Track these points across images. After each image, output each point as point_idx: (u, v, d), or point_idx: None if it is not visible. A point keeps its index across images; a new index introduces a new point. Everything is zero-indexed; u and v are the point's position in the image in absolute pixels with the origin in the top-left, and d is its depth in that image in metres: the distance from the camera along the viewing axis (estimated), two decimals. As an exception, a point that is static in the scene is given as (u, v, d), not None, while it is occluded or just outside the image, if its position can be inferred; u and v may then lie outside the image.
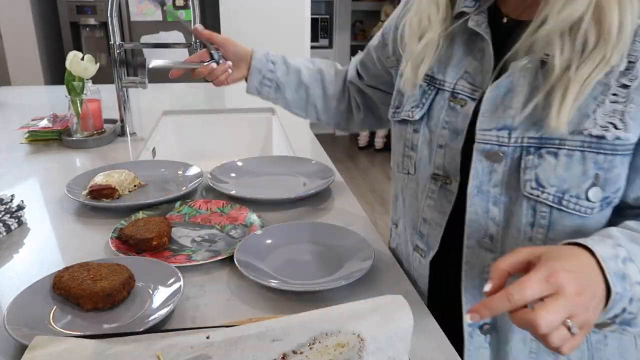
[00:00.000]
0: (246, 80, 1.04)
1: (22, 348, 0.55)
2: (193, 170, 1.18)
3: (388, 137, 4.88)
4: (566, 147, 0.62)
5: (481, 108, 0.67)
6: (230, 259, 0.80)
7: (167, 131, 1.81)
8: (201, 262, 0.79)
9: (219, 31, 3.66)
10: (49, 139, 1.45)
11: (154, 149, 1.60)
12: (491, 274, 0.51)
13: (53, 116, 1.55)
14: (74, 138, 1.42)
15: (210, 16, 3.82)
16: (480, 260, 0.70)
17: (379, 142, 5.00)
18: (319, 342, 0.54)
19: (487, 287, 0.51)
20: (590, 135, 0.61)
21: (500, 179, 0.66)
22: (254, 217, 0.95)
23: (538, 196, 0.63)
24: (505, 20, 0.70)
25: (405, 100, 0.79)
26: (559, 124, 0.60)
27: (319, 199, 1.07)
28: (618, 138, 0.60)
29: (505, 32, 0.69)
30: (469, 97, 0.70)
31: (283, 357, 0.53)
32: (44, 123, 1.50)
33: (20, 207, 0.95)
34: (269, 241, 0.85)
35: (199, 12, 1.42)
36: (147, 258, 0.79)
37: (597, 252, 0.52)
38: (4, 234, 0.90)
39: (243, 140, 1.90)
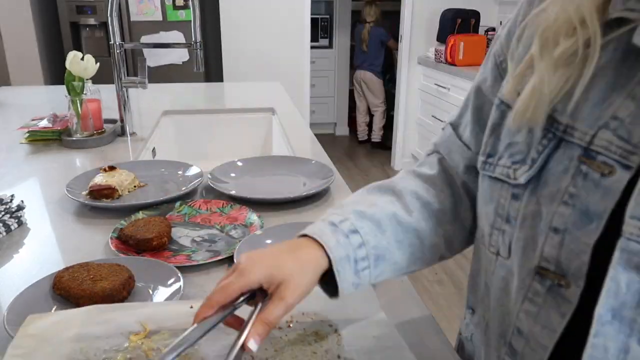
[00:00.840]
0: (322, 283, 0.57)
1: (22, 348, 0.56)
2: (193, 170, 1.18)
3: (385, 130, 4.84)
4: None
5: (639, 183, 0.41)
6: (230, 259, 0.80)
7: (167, 131, 1.81)
8: (201, 262, 0.79)
9: (219, 31, 3.66)
10: (49, 139, 1.45)
11: (154, 149, 1.60)
12: None
13: (53, 116, 1.55)
14: (74, 138, 1.42)
15: (210, 16, 3.82)
16: None
17: (375, 136, 4.93)
18: (297, 322, 0.59)
19: None
20: None
21: None
22: (254, 217, 0.95)
23: None
24: None
25: (504, 148, 0.53)
26: None
27: (319, 199, 1.07)
28: None
29: None
30: (618, 162, 0.43)
31: None
32: (44, 123, 1.50)
33: (20, 207, 0.95)
34: (269, 241, 0.85)
35: (199, 12, 1.42)
36: (147, 258, 0.79)
37: None
38: (4, 234, 0.90)
39: (243, 140, 1.90)
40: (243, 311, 0.53)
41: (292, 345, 0.57)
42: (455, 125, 0.65)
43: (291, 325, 0.60)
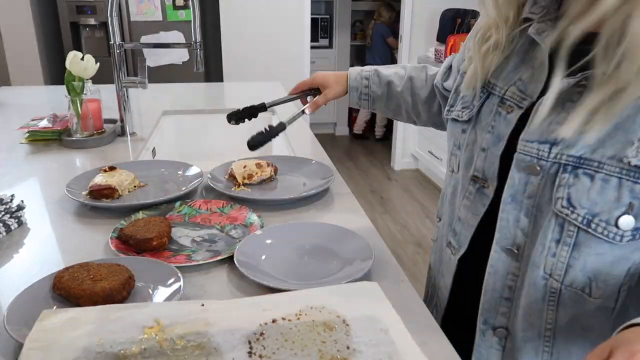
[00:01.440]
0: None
1: (22, 348, 0.56)
2: (193, 170, 1.18)
3: (388, 127, 4.90)
4: (604, 171, 0.60)
5: (530, 118, 0.66)
6: (230, 259, 0.80)
7: (167, 131, 1.81)
8: (201, 262, 0.79)
9: (219, 31, 3.67)
10: (49, 139, 1.45)
11: (154, 149, 1.60)
12: None
13: (53, 116, 1.55)
14: (74, 138, 1.42)
15: (210, 16, 3.82)
16: (504, 266, 0.71)
17: (379, 131, 5.13)
18: (306, 315, 0.62)
19: None
20: (630, 165, 0.59)
21: (534, 192, 0.66)
22: (254, 217, 0.95)
23: (567, 215, 0.63)
24: None
25: (459, 99, 0.81)
26: (569, 129, 0.61)
27: (319, 199, 1.07)
28: None
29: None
30: (516, 104, 0.69)
31: (273, 321, 0.60)
32: (44, 123, 1.50)
33: (20, 207, 0.95)
34: (269, 241, 0.86)
35: (199, 12, 1.42)
36: (147, 258, 0.79)
37: None
38: (4, 234, 0.90)
39: (243, 140, 1.89)
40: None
41: (301, 335, 0.59)
42: (447, 64, 0.98)
43: (300, 317, 0.61)
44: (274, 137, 1.03)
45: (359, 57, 5.51)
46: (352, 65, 4.75)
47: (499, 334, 0.73)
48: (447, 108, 0.85)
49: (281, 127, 1.04)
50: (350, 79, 1.08)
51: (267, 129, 1.04)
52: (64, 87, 1.40)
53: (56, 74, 3.61)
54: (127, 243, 0.84)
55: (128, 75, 1.54)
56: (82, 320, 0.59)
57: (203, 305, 0.63)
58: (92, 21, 3.37)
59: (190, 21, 1.43)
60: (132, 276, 0.71)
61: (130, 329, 0.58)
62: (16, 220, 0.93)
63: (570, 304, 0.66)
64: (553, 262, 0.65)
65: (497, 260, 0.71)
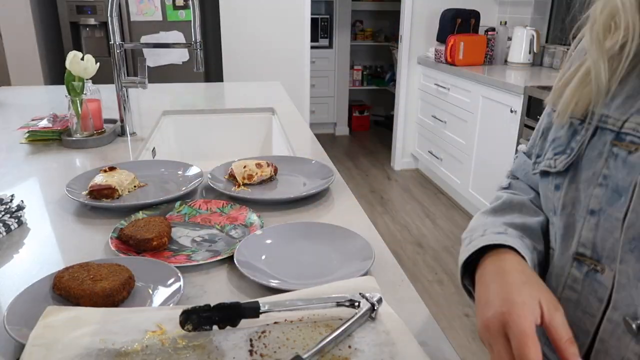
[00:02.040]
0: None
1: (22, 348, 0.56)
2: (193, 170, 1.18)
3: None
4: None
5: None
6: (230, 259, 0.80)
7: (167, 131, 1.81)
8: (201, 262, 0.79)
9: (219, 31, 3.66)
10: (49, 139, 1.45)
11: (154, 149, 1.60)
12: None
13: (53, 116, 1.55)
14: (74, 138, 1.42)
15: (211, 16, 3.82)
16: None
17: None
18: (308, 317, 0.62)
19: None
20: None
21: None
22: (254, 217, 0.95)
23: None
24: None
25: (549, 144, 0.58)
26: None
27: (319, 199, 1.07)
28: None
29: None
30: None
31: (275, 323, 0.60)
32: (44, 123, 1.50)
33: (20, 207, 0.95)
34: (269, 241, 0.85)
35: (199, 12, 1.42)
36: (147, 258, 0.79)
37: None
38: (4, 234, 0.90)
39: (243, 140, 1.90)
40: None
41: (303, 334, 0.59)
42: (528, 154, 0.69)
43: (302, 319, 0.62)
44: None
45: (359, 57, 5.51)
46: (352, 66, 4.72)
47: None
48: (533, 160, 0.62)
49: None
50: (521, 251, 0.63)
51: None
52: (64, 87, 1.40)
53: (56, 74, 3.61)
54: (127, 243, 0.84)
55: (128, 75, 1.54)
56: (85, 320, 0.59)
57: None
58: (92, 21, 3.37)
59: (190, 21, 1.43)
60: (132, 276, 0.71)
61: (132, 332, 0.58)
62: (16, 220, 0.93)
63: None
64: None
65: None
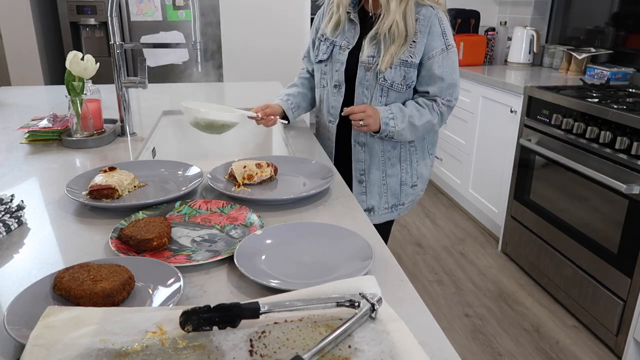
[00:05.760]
0: (284, 119, 1.63)
1: (22, 348, 0.56)
2: (193, 170, 1.18)
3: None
4: (393, 65, 1.40)
5: (362, 50, 1.44)
6: (230, 259, 0.80)
7: (167, 131, 1.81)
8: (201, 262, 0.79)
9: (219, 31, 3.67)
10: (49, 139, 1.45)
11: (154, 149, 1.60)
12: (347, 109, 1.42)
13: (53, 116, 1.55)
14: (74, 138, 1.42)
15: (211, 16, 3.82)
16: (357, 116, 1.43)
17: None
18: (308, 318, 0.62)
19: (345, 111, 1.42)
20: (401, 60, 1.41)
21: (368, 78, 1.44)
22: (254, 217, 0.95)
23: (384, 84, 1.42)
24: (370, 14, 1.44)
25: (319, 52, 1.55)
26: (383, 67, 1.40)
27: (319, 199, 1.07)
28: (413, 62, 1.41)
29: (366, 19, 1.46)
30: (346, 47, 1.48)
31: (275, 323, 0.60)
32: (44, 123, 1.50)
33: (20, 207, 0.95)
34: (269, 241, 0.86)
35: (199, 12, 1.42)
36: (147, 258, 0.79)
37: (380, 111, 1.41)
38: (4, 234, 0.90)
39: (243, 140, 1.89)
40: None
41: (303, 335, 0.59)
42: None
43: (302, 319, 0.62)
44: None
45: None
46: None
47: (361, 143, 1.53)
48: (314, 57, 1.59)
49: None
50: (284, 107, 1.63)
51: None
52: (64, 87, 1.40)
53: (56, 74, 3.61)
54: (127, 243, 0.84)
55: (128, 75, 1.54)
56: (86, 320, 0.59)
57: None
58: (92, 21, 3.37)
59: (190, 21, 1.43)
60: (132, 276, 0.71)
61: (132, 332, 0.58)
62: (16, 220, 0.93)
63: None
64: (381, 103, 1.45)
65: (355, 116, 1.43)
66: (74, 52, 1.38)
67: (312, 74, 1.67)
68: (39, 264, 0.81)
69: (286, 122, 1.59)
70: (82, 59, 1.38)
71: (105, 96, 1.54)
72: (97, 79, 1.48)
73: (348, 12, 1.46)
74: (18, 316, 0.63)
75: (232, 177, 1.13)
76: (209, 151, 1.84)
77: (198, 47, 1.45)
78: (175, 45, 3.01)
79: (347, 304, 0.62)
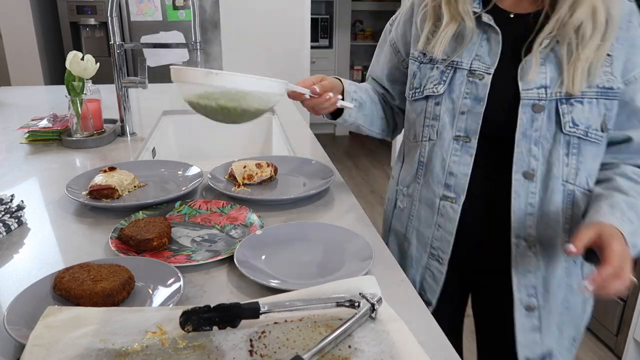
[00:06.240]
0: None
1: (22, 348, 0.56)
2: (193, 170, 1.18)
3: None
4: (587, 97, 0.84)
5: (522, 72, 0.85)
6: (230, 259, 0.80)
7: (167, 131, 1.81)
8: (201, 262, 0.79)
9: (219, 31, 3.67)
10: (49, 139, 1.45)
11: (154, 149, 1.60)
12: (574, 244, 0.74)
13: (53, 116, 1.55)
14: (74, 138, 1.42)
15: (211, 16, 3.82)
16: (524, 190, 0.88)
17: None
18: (308, 318, 0.62)
19: (573, 249, 0.73)
20: (598, 87, 0.84)
21: (540, 125, 0.85)
22: (254, 217, 0.95)
23: (574, 132, 0.84)
24: (511, 15, 0.89)
25: (426, 80, 0.94)
26: (575, 90, 0.83)
27: (319, 199, 1.07)
28: (618, 88, 0.84)
29: (509, 23, 0.89)
30: (485, 72, 0.88)
31: (275, 323, 0.60)
32: (44, 123, 1.50)
33: (20, 207, 0.95)
34: (269, 241, 0.86)
35: (198, 12, 1.43)
36: (147, 258, 0.79)
37: (624, 234, 0.77)
38: (4, 234, 0.90)
39: (243, 140, 1.90)
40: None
41: (303, 335, 0.59)
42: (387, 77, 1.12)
43: (302, 319, 0.61)
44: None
45: (359, 57, 5.51)
46: (352, 66, 4.72)
47: (530, 242, 0.90)
48: (410, 92, 0.98)
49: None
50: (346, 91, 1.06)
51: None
52: (64, 87, 1.40)
53: (56, 74, 3.61)
54: (127, 243, 0.84)
55: (128, 75, 1.54)
56: (86, 320, 0.59)
57: None
58: (92, 21, 3.37)
59: (190, 21, 1.43)
60: (132, 276, 0.71)
61: (132, 332, 0.58)
62: (16, 220, 0.93)
63: (579, 201, 0.89)
64: (567, 170, 0.87)
65: (518, 185, 0.88)
66: (74, 52, 1.38)
67: (387, 92, 1.14)
68: (39, 264, 0.81)
69: (351, 105, 1.01)
70: (82, 59, 1.38)
71: (105, 96, 1.54)
72: (97, 79, 1.48)
73: (475, 13, 0.88)
74: (18, 316, 0.63)
75: (232, 177, 1.13)
76: (209, 151, 1.84)
77: (198, 47, 1.45)
78: (175, 45, 3.01)
79: (347, 304, 0.62)
